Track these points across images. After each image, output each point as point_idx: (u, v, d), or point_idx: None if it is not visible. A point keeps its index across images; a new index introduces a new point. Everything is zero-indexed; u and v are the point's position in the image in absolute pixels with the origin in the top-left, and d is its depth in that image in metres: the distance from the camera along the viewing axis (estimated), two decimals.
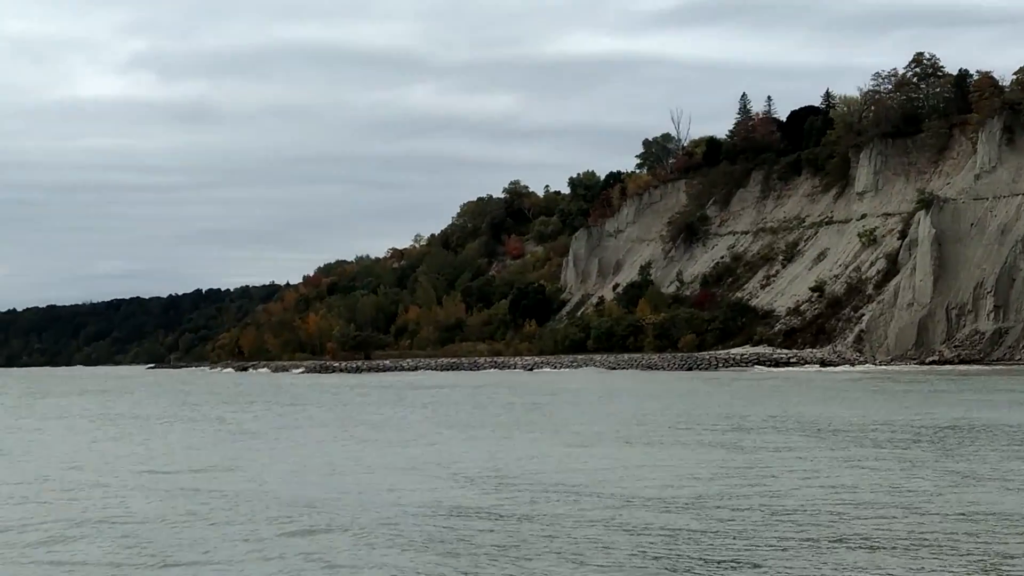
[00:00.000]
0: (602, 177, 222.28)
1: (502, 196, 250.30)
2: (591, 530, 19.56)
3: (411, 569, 16.58)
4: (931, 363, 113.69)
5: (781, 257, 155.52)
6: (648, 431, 40.20)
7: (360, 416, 53.59)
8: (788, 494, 23.60)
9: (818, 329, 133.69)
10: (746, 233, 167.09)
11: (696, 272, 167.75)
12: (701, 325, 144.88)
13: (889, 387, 72.33)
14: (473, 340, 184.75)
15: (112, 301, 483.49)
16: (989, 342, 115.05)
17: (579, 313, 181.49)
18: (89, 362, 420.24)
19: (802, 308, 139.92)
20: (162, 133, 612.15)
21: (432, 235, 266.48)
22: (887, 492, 23.71)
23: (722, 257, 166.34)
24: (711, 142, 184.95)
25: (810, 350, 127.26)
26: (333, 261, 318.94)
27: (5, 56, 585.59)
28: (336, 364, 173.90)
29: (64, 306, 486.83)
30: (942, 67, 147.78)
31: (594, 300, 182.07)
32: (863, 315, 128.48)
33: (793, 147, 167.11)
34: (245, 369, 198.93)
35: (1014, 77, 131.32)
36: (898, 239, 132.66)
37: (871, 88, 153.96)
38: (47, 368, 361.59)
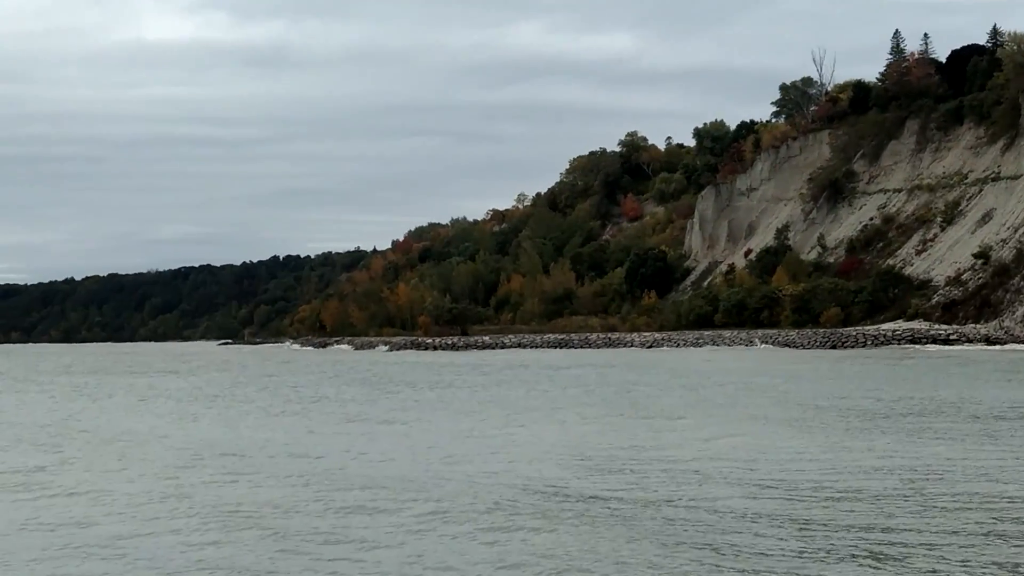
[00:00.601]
0: (733, 127, 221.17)
1: (617, 150, 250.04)
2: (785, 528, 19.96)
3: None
4: None
5: (939, 219, 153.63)
6: (822, 416, 40.35)
7: (508, 398, 54.10)
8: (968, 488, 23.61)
9: (982, 302, 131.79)
10: (899, 191, 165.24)
11: (841, 236, 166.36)
12: (846, 297, 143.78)
13: None
14: (584, 314, 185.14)
15: (180, 269, 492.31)
16: None
17: (705, 283, 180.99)
18: (154, 337, 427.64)
19: (964, 277, 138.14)
20: (235, 80, 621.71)
21: (537, 194, 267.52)
22: None
23: (871, 219, 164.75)
24: (859, 87, 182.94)
25: (973, 326, 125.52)
26: (426, 224, 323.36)
27: None
28: (429, 340, 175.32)
29: (127, 275, 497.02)
30: None
31: (723, 268, 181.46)
32: None
33: (954, 92, 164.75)
34: (325, 346, 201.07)
35: None
36: None
37: None
38: (108, 344, 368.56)
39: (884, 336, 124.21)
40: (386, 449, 32.23)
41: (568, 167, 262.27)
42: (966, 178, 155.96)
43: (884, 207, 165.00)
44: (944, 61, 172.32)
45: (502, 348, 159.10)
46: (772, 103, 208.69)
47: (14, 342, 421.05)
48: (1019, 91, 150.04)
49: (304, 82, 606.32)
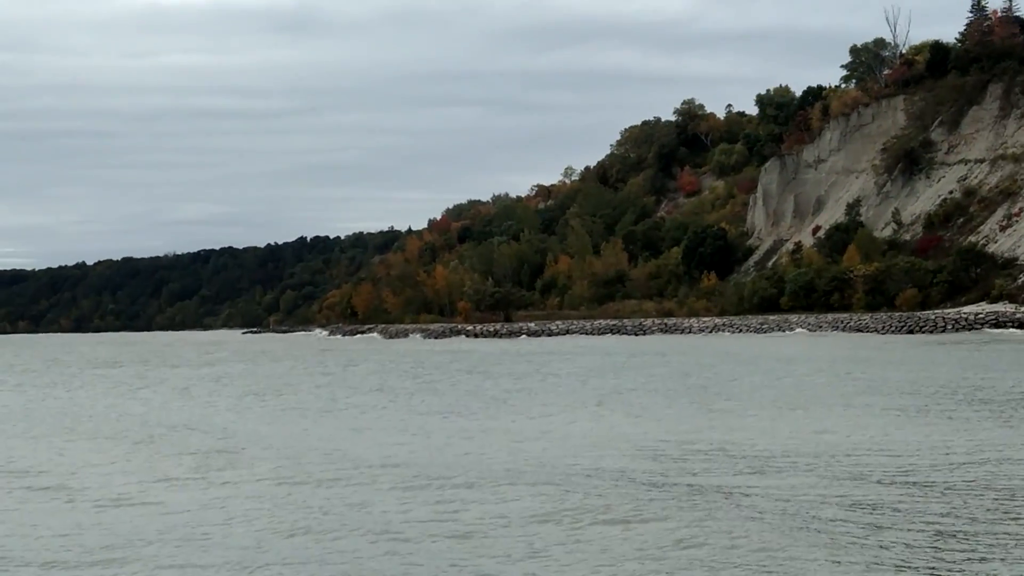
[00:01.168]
0: (798, 94, 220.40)
1: (673, 119, 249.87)
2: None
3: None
4: None
5: None
6: (947, 405, 40.77)
7: (591, 387, 54.81)
8: None
9: None
10: (981, 162, 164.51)
11: (917, 211, 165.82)
12: (924, 278, 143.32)
13: None
14: (637, 298, 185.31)
15: (199, 252, 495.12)
16: None
17: (770, 264, 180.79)
18: (172, 326, 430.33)
19: None
20: (259, 47, 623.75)
21: (586, 168, 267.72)
22: None
23: (951, 192, 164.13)
24: (936, 48, 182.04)
25: None
26: (465, 202, 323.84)
27: None
28: (469, 327, 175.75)
29: (143, 259, 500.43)
30: None
31: (789, 247, 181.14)
32: None
33: None
34: (354, 334, 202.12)
35: None
36: None
37: None
38: (123, 334, 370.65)
39: (966, 320, 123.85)
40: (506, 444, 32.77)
41: (619, 138, 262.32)
42: None
43: (965, 179, 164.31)
44: None
45: (548, 335, 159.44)
46: (841, 67, 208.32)
47: (21, 332, 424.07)
48: None
49: (333, 48, 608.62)
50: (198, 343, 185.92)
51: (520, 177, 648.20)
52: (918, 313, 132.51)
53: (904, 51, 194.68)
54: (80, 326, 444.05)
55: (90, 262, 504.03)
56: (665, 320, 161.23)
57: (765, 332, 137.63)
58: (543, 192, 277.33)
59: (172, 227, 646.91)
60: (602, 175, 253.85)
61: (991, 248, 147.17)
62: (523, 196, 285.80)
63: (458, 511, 21.81)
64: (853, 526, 19.71)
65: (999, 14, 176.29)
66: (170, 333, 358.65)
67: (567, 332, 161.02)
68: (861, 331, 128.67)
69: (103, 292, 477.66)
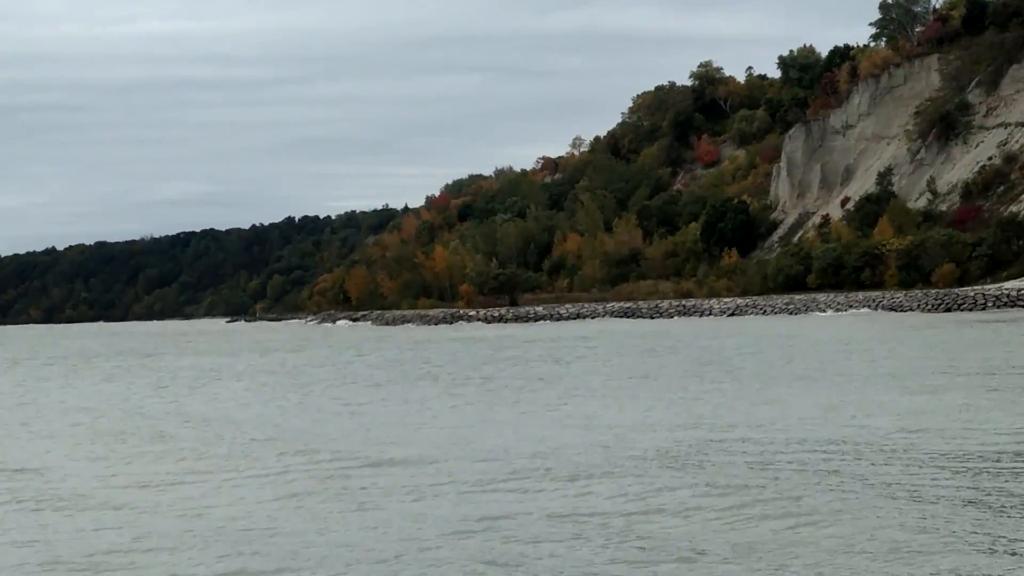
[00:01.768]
0: (824, 54, 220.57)
1: (689, 84, 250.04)
2: None
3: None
4: None
5: None
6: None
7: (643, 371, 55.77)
8: None
9: None
10: (1022, 125, 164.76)
11: (954, 180, 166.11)
12: (962, 251, 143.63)
13: None
14: (653, 278, 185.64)
15: (179, 235, 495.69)
16: None
17: (795, 239, 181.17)
18: (150, 315, 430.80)
19: None
20: (243, 12, 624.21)
21: (597, 138, 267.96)
22: None
23: (990, 159, 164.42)
24: (973, 3, 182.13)
25: None
26: (466, 177, 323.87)
27: None
28: (472, 312, 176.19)
29: (117, 243, 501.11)
30: None
31: (815, 221, 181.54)
32: None
33: None
34: (347, 320, 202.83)
35: None
36: None
37: None
38: (99, 324, 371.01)
39: (1008, 296, 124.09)
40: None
41: (632, 105, 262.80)
42: None
43: (1005, 144, 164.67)
44: None
45: (558, 320, 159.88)
46: (871, 24, 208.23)
47: None
48: None
49: (324, 12, 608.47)
50: (183, 333, 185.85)
51: (525, 149, 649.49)
52: (956, 290, 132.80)
53: (938, 6, 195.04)
54: (51, 317, 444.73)
55: (60, 247, 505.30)
56: (683, 302, 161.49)
57: (791, 313, 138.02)
58: (550, 165, 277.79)
59: (149, 208, 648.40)
60: (613, 146, 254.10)
61: None
62: (528, 170, 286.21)
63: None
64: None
65: None
66: (148, 323, 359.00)
67: (577, 316, 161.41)
68: (894, 310, 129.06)
69: (75, 280, 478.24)
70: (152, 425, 39.39)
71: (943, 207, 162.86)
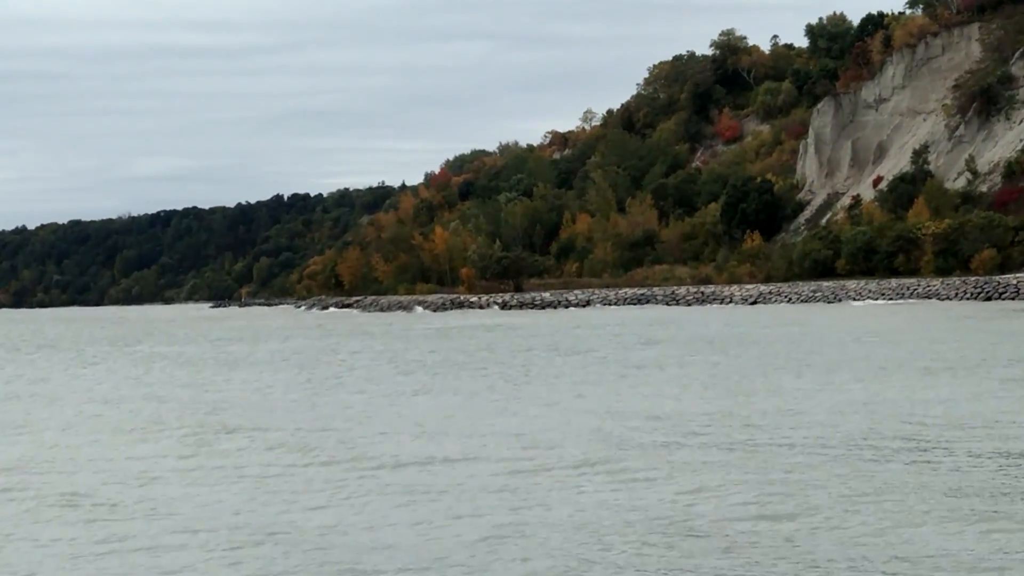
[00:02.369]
0: (856, 22, 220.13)
1: (710, 53, 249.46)
2: None
3: None
4: None
5: None
6: None
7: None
8: None
9: None
10: None
11: (996, 158, 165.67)
12: (1003, 236, 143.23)
13: None
14: (669, 262, 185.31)
15: (159, 214, 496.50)
16: None
17: (823, 221, 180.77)
18: (128, 299, 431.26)
19: None
20: None
21: (609, 111, 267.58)
22: None
23: None
24: None
25: None
26: (468, 152, 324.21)
27: None
28: (474, 299, 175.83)
29: (93, 222, 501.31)
30: None
31: (846, 202, 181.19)
32: None
33: None
34: (335, 307, 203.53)
35: None
36: None
37: None
38: (73, 309, 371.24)
39: None
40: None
41: (647, 76, 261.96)
42: None
43: None
44: None
45: (566, 307, 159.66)
46: None
47: None
48: None
49: None
50: (165, 320, 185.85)
51: (533, 123, 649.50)
52: (997, 277, 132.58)
53: None
54: (20, 301, 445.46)
55: (32, 226, 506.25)
56: (701, 288, 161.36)
57: (818, 301, 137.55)
58: (559, 140, 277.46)
59: (127, 185, 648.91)
60: (627, 120, 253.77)
61: None
62: (536, 145, 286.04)
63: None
64: None
65: None
66: (126, 308, 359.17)
67: (587, 303, 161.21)
68: (928, 298, 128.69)
69: (47, 261, 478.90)
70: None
71: (983, 188, 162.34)
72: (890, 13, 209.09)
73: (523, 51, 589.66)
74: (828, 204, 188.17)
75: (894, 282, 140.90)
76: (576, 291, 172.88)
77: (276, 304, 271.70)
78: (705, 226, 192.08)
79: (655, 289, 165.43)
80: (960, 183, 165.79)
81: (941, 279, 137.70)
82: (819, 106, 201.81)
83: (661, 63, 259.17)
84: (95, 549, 20.88)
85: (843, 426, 32.04)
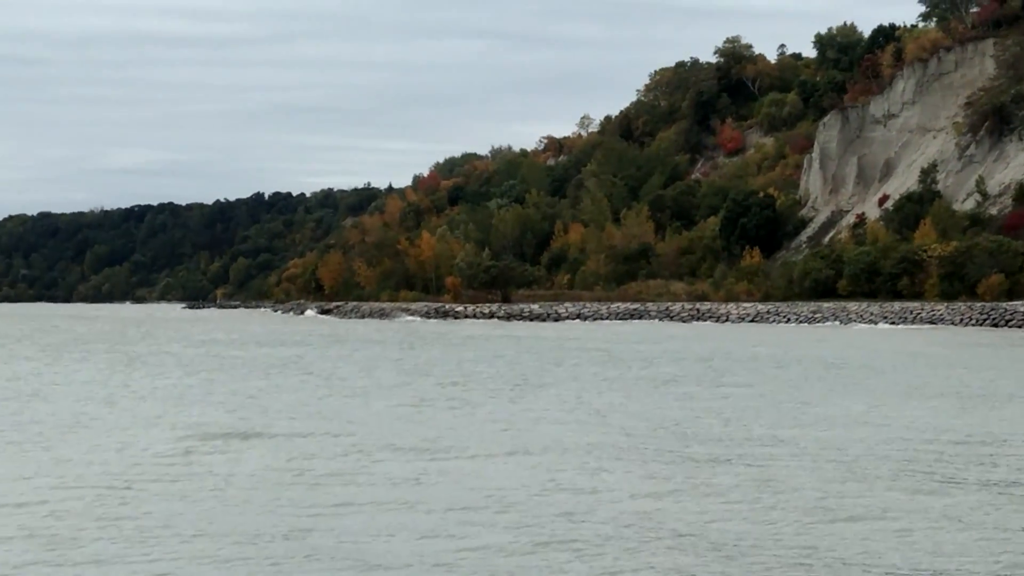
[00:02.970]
0: (866, 34, 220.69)
1: (713, 61, 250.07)
2: None
3: None
4: None
5: None
6: None
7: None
8: None
9: None
10: None
11: (1007, 180, 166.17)
12: (1012, 261, 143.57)
13: None
14: (664, 277, 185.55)
15: (133, 209, 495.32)
16: None
17: (826, 239, 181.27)
18: (98, 297, 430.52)
19: None
20: None
21: (607, 118, 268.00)
22: None
23: None
24: None
25: None
26: (459, 155, 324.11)
27: None
28: (459, 308, 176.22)
29: (63, 214, 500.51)
30: None
31: (850, 220, 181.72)
32: None
33: None
34: (314, 311, 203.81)
35: None
36: None
37: None
38: (42, 304, 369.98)
39: None
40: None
41: (648, 83, 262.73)
42: None
43: None
44: None
45: (555, 320, 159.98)
46: (919, 2, 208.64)
47: None
48: None
49: None
50: (139, 320, 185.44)
51: (527, 127, 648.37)
52: (1004, 304, 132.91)
53: None
54: None
55: None
56: (697, 305, 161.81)
57: (818, 322, 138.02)
58: (554, 146, 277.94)
59: (101, 177, 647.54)
60: (626, 127, 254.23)
61: None
62: (530, 150, 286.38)
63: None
64: None
65: None
66: (96, 306, 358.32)
67: (578, 316, 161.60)
68: (933, 323, 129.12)
69: (13, 254, 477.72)
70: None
71: (993, 210, 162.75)
72: (902, 25, 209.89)
73: (521, 51, 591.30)
74: (831, 222, 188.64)
75: (897, 305, 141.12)
76: (567, 304, 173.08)
77: (248, 307, 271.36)
78: (703, 241, 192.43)
79: (649, 304, 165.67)
80: (969, 205, 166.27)
81: (946, 304, 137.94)
82: (825, 120, 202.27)
83: (663, 69, 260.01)
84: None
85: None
